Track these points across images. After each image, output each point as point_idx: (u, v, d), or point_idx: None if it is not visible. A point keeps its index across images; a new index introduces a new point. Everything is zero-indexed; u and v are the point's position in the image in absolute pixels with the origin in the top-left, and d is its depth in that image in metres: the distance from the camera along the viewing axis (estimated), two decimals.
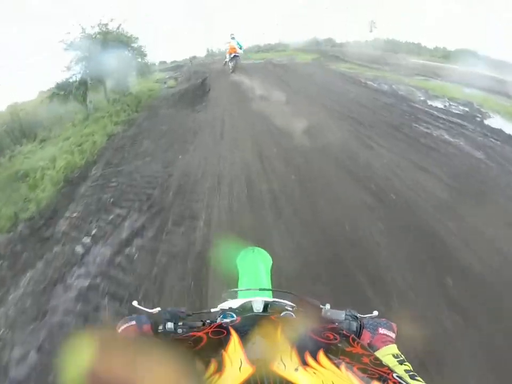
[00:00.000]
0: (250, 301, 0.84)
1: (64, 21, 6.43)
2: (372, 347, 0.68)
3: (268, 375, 0.33)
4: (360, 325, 0.74)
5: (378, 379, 0.34)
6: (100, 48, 6.62)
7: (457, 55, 10.40)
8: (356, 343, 0.43)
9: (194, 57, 12.45)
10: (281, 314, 0.77)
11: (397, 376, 0.36)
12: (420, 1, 11.09)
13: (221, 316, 0.79)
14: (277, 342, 0.40)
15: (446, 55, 11.40)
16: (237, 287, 1.16)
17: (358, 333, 0.73)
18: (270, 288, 1.11)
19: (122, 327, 0.70)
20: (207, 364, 0.35)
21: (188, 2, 10.46)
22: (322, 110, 5.43)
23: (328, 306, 0.78)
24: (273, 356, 0.36)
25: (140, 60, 8.45)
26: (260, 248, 1.34)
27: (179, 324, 0.75)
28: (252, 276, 1.16)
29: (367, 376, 0.34)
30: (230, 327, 0.44)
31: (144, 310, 0.77)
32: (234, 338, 0.41)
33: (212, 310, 0.83)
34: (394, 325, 0.74)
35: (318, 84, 7.58)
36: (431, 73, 9.18)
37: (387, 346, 0.66)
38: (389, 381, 0.34)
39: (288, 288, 0.91)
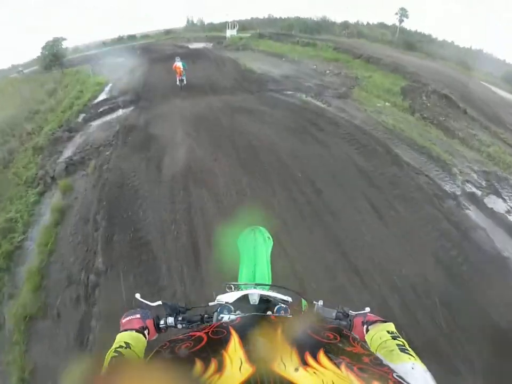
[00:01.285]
0: (246, 294, 0.86)
1: None
2: (369, 322, 0.72)
3: (268, 375, 0.33)
4: (351, 320, 0.77)
5: (379, 379, 0.34)
6: None
7: None
8: (356, 343, 0.43)
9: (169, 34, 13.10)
10: (276, 308, 0.80)
11: (397, 376, 0.36)
12: None
13: (218, 310, 0.80)
14: (277, 342, 0.40)
15: None
16: (237, 269, 1.20)
17: (350, 327, 0.77)
18: (268, 282, 1.13)
19: (127, 318, 0.75)
20: (207, 364, 0.36)
21: None
22: None
23: (321, 303, 0.81)
24: (274, 355, 0.36)
25: None
26: (261, 228, 1.32)
27: (179, 318, 0.80)
28: (251, 261, 1.18)
29: (367, 376, 0.34)
30: (230, 327, 0.44)
31: (146, 303, 0.81)
32: (235, 338, 0.41)
33: (210, 303, 0.85)
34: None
35: None
36: None
37: (383, 324, 0.69)
38: (389, 381, 0.34)
39: None
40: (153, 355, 0.43)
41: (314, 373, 0.34)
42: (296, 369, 0.35)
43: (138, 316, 0.77)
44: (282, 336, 0.41)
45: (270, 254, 1.26)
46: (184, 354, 0.40)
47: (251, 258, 1.20)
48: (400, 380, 0.35)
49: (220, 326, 0.46)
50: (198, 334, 0.44)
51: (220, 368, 0.35)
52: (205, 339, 0.42)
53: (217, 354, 0.38)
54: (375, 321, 0.71)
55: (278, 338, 0.41)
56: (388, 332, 0.65)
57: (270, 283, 1.13)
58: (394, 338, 0.62)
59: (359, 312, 0.80)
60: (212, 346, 0.41)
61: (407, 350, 0.57)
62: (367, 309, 0.80)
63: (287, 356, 0.37)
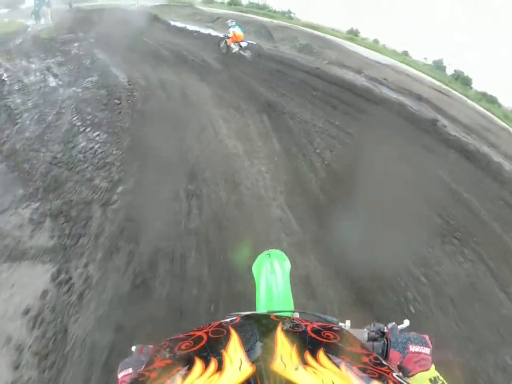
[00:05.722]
0: None
1: None
2: (404, 369, 0.62)
3: (268, 374, 0.34)
4: (387, 344, 0.65)
5: (378, 378, 0.35)
6: None
7: None
8: (356, 342, 0.44)
9: None
10: None
11: (397, 375, 0.37)
12: None
13: None
14: (277, 341, 0.40)
15: None
16: (254, 297, 1.12)
17: (385, 354, 0.65)
18: (289, 308, 1.03)
19: (121, 375, 0.64)
20: (207, 363, 0.36)
21: None
22: None
23: (348, 323, 0.70)
24: (273, 355, 0.37)
25: None
26: (276, 251, 1.24)
27: None
28: (268, 287, 1.10)
29: (367, 376, 0.35)
30: (230, 327, 0.45)
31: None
32: (234, 337, 0.41)
33: None
34: (426, 337, 0.66)
35: None
36: None
37: (424, 373, 0.60)
38: (389, 380, 0.35)
39: None
40: (153, 354, 0.43)
41: (314, 372, 0.35)
42: (296, 369, 0.35)
43: (130, 370, 0.64)
44: (282, 336, 0.42)
45: (289, 278, 1.17)
46: (184, 353, 0.40)
47: (268, 284, 1.12)
48: (399, 379, 0.36)
49: (219, 325, 0.47)
50: (198, 333, 0.45)
51: (220, 367, 0.36)
52: (205, 338, 0.43)
53: (217, 353, 0.38)
54: (415, 363, 0.62)
55: (278, 338, 0.41)
56: (431, 380, 0.58)
57: (293, 309, 1.03)
58: None
59: (399, 326, 0.69)
60: (212, 345, 0.41)
61: None
62: (406, 322, 0.70)
63: (287, 355, 0.37)
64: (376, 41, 13.86)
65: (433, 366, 0.60)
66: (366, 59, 12.18)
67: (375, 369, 0.36)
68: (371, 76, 9.79)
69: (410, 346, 0.63)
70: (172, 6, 14.97)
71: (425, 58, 12.67)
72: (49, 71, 6.72)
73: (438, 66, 12.93)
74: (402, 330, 0.68)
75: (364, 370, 0.36)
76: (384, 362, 0.40)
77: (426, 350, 0.62)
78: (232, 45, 7.49)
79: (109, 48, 8.00)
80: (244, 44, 7.32)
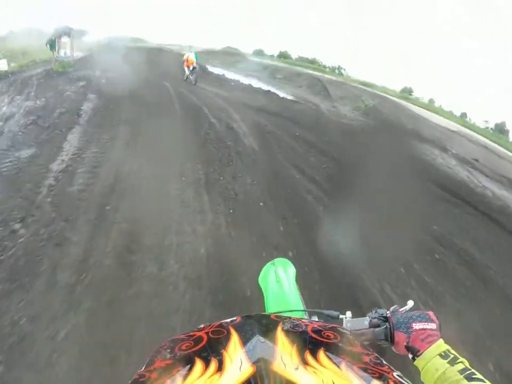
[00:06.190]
0: None
1: None
2: (412, 349, 0.63)
3: (268, 374, 0.36)
4: (390, 328, 0.66)
5: (379, 378, 0.37)
6: None
7: None
8: (356, 342, 0.46)
9: None
10: None
11: (397, 375, 0.39)
12: None
13: None
14: (277, 341, 0.42)
15: None
16: (263, 307, 1.17)
17: (391, 339, 0.66)
18: (302, 307, 1.08)
19: None
20: (207, 364, 0.39)
21: None
22: None
23: (349, 314, 0.72)
24: (274, 355, 0.39)
25: None
26: (279, 259, 1.29)
27: None
28: (277, 294, 1.14)
29: (368, 375, 0.37)
30: (230, 327, 0.47)
31: None
32: (235, 337, 0.44)
33: None
34: (431, 313, 0.68)
35: None
36: None
37: (430, 349, 0.60)
38: (389, 380, 0.37)
39: None
40: (153, 354, 0.46)
41: (314, 372, 0.37)
42: (296, 369, 0.37)
43: None
44: (282, 335, 0.44)
45: (296, 281, 1.19)
46: (184, 353, 0.43)
47: (276, 292, 1.14)
48: (400, 379, 0.38)
49: (220, 325, 0.50)
50: (198, 333, 0.48)
51: (220, 367, 0.38)
52: (205, 339, 0.46)
53: (217, 354, 0.41)
54: (422, 340, 0.61)
55: (278, 337, 0.43)
56: (441, 355, 0.57)
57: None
58: (452, 363, 0.55)
59: (402, 308, 0.68)
60: (212, 346, 0.44)
61: (474, 374, 0.51)
62: (410, 303, 0.69)
63: (287, 355, 0.40)
64: (431, 101, 12.50)
65: (441, 340, 0.60)
66: (435, 125, 10.13)
67: (375, 369, 0.39)
68: (459, 156, 7.43)
69: (413, 324, 0.63)
70: (219, 53, 14.31)
71: (486, 121, 11.18)
72: (6, 122, 4.83)
73: (500, 130, 11.13)
74: (406, 311, 0.70)
75: (364, 369, 0.38)
76: (384, 362, 0.42)
77: (432, 326, 0.63)
78: (186, 69, 8.51)
79: (111, 94, 6.20)
80: (191, 68, 8.42)
